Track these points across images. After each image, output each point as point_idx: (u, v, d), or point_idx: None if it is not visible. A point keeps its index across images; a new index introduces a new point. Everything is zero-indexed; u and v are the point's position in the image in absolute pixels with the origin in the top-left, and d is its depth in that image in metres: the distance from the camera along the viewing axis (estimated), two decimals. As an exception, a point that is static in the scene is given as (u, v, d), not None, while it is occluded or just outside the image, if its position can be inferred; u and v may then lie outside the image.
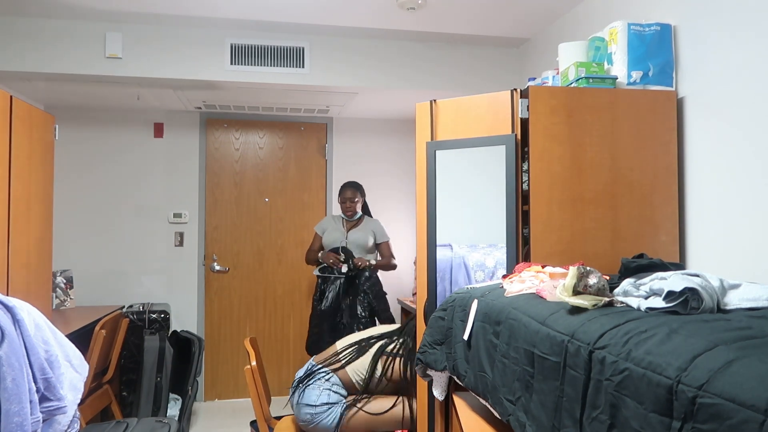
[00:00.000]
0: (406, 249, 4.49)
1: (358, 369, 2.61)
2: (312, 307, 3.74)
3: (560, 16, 3.14)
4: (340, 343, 2.75)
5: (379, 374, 2.57)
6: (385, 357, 2.60)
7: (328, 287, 3.58)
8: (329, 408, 2.49)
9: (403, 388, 2.57)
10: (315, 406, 2.48)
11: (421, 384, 2.34)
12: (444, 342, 1.82)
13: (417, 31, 3.40)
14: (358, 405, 2.53)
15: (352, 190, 3.86)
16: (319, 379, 2.55)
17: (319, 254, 3.77)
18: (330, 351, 2.73)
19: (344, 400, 2.55)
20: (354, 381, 2.60)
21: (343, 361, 2.60)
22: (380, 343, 2.65)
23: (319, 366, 2.62)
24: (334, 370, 2.60)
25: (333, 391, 2.54)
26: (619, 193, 2.11)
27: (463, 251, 2.30)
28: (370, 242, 3.85)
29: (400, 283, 4.48)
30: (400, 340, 2.65)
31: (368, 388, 2.58)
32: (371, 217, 4.02)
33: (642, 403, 0.89)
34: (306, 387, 2.53)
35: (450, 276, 2.30)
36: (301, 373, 2.67)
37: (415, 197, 2.41)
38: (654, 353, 0.91)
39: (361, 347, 2.65)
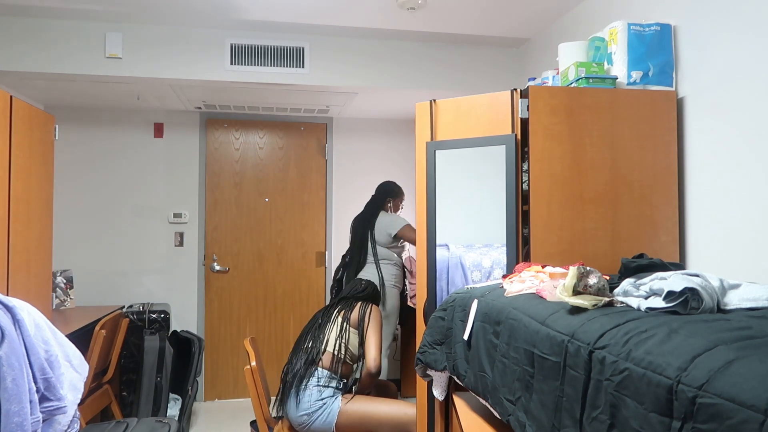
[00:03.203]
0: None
1: (333, 345, 2.60)
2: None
3: (560, 16, 3.14)
4: (301, 339, 2.75)
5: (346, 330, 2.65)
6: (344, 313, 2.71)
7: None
8: (323, 404, 2.47)
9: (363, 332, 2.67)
10: (310, 408, 2.46)
11: (421, 384, 2.34)
12: (444, 342, 1.82)
13: (417, 31, 3.40)
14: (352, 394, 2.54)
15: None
16: (308, 379, 2.52)
17: None
18: (300, 347, 2.68)
19: (338, 392, 2.52)
20: (338, 358, 2.57)
21: (321, 348, 2.59)
22: (337, 309, 2.75)
23: (304, 365, 2.56)
24: (315, 364, 2.55)
25: (323, 385, 2.51)
26: (619, 193, 2.11)
27: (459, 251, 2.30)
28: None
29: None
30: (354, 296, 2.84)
31: (359, 352, 2.64)
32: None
33: (642, 403, 0.89)
34: (298, 393, 2.49)
35: (447, 276, 2.30)
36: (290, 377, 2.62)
37: (415, 198, 2.41)
38: (654, 353, 0.91)
39: (321, 325, 2.68)
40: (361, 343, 2.64)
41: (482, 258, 2.30)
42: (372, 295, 2.91)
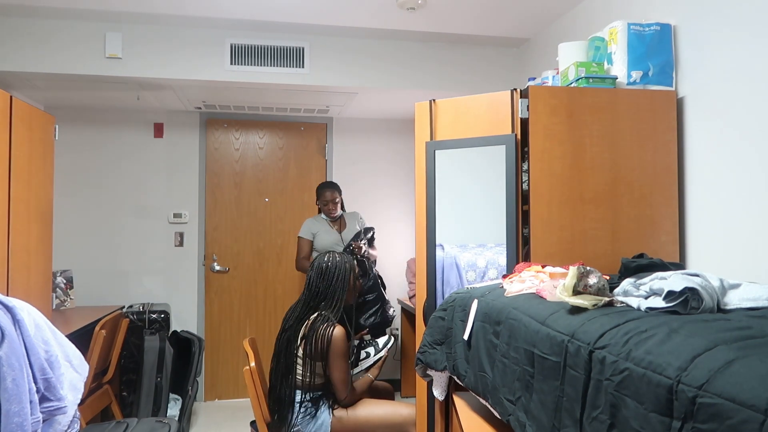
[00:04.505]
0: (405, 249, 4.50)
1: (302, 378, 2.47)
2: None
3: (560, 16, 3.14)
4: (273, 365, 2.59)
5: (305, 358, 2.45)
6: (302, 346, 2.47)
7: None
8: (313, 416, 2.44)
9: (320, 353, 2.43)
10: (299, 425, 2.44)
11: (421, 384, 2.34)
12: (444, 342, 1.82)
13: (417, 31, 3.40)
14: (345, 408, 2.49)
15: (331, 191, 3.83)
16: (292, 404, 2.46)
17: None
18: (276, 377, 2.54)
19: (324, 400, 2.47)
20: (313, 380, 2.47)
21: (294, 382, 2.48)
22: (298, 343, 2.49)
23: (284, 396, 2.48)
24: (295, 389, 2.48)
25: (306, 401, 2.45)
26: (619, 193, 2.11)
27: (454, 251, 2.30)
28: None
29: (397, 283, 4.48)
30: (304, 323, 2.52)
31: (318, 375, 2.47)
32: (345, 210, 4.00)
33: (642, 403, 0.89)
34: (282, 415, 2.44)
35: (442, 276, 2.31)
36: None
37: (415, 197, 2.41)
38: (654, 353, 0.91)
39: (287, 365, 2.49)
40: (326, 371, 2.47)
41: (477, 258, 2.30)
42: (332, 286, 2.55)
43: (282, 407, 2.47)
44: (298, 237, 3.89)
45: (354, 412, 2.49)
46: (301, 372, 2.47)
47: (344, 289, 2.60)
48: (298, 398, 2.46)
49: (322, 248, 3.81)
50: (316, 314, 2.52)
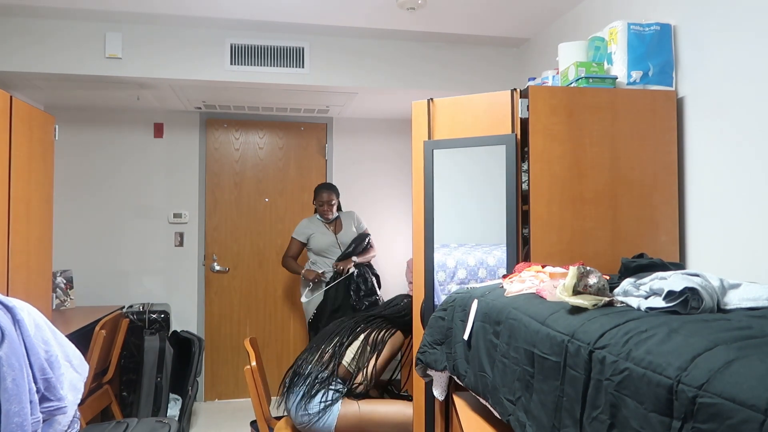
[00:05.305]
0: (406, 248, 4.50)
1: (350, 358, 2.64)
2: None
3: (560, 16, 3.14)
4: (321, 340, 2.76)
5: (367, 351, 2.67)
6: (370, 333, 2.71)
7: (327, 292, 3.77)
8: (327, 407, 2.48)
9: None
10: (313, 409, 2.46)
11: (421, 384, 2.34)
12: (444, 342, 1.82)
13: (416, 31, 3.40)
14: (356, 399, 2.55)
15: (327, 193, 3.90)
16: (321, 383, 2.54)
17: (303, 272, 3.85)
18: (319, 350, 2.69)
19: (340, 396, 2.53)
20: (350, 369, 2.63)
21: (342, 360, 2.61)
22: (368, 327, 2.75)
23: (321, 370, 2.58)
24: (334, 370, 2.59)
25: (331, 389, 2.53)
26: (619, 193, 2.11)
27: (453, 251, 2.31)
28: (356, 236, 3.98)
29: (397, 284, 4.48)
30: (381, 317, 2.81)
31: (358, 368, 2.64)
32: (342, 210, 4.06)
33: (642, 403, 0.89)
34: (309, 392, 2.51)
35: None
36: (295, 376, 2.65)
37: (412, 197, 2.40)
38: (654, 353, 0.91)
39: (344, 344, 2.68)
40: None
41: (446, 258, 2.32)
42: (408, 320, 2.80)
43: (312, 385, 2.52)
44: (291, 237, 3.97)
45: (358, 408, 2.51)
46: (350, 357, 2.60)
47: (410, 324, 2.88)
48: (333, 386, 2.50)
49: (318, 249, 3.85)
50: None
